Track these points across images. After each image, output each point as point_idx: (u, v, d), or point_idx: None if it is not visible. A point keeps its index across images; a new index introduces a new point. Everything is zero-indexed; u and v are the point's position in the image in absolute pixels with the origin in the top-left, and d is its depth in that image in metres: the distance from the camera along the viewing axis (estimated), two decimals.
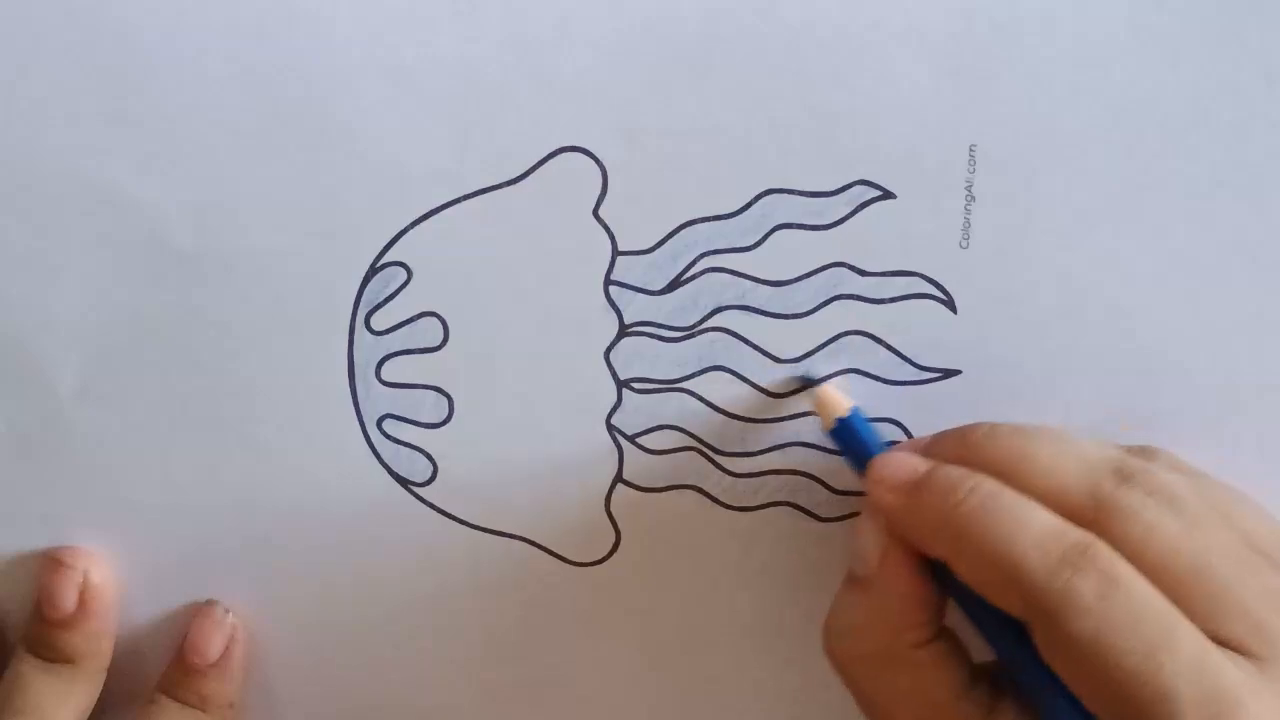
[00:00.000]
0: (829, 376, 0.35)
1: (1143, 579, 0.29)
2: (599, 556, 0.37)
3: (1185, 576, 0.29)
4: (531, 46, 0.34)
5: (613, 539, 0.37)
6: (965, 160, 0.34)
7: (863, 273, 0.35)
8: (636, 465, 0.36)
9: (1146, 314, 0.35)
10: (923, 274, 0.35)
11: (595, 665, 0.38)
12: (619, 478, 0.36)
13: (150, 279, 0.35)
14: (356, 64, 0.34)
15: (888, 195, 0.35)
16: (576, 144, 0.35)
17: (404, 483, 0.37)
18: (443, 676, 0.38)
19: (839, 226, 0.35)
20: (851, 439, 0.34)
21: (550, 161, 0.35)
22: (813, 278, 0.35)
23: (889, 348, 0.36)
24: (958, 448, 0.32)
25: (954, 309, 0.35)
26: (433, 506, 0.37)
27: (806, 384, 0.35)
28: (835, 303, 0.35)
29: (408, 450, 0.36)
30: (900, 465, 0.32)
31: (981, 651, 0.32)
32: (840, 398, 0.35)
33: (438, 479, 0.37)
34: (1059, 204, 0.35)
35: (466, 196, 0.35)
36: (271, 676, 0.38)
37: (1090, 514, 0.30)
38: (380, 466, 0.37)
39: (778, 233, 0.35)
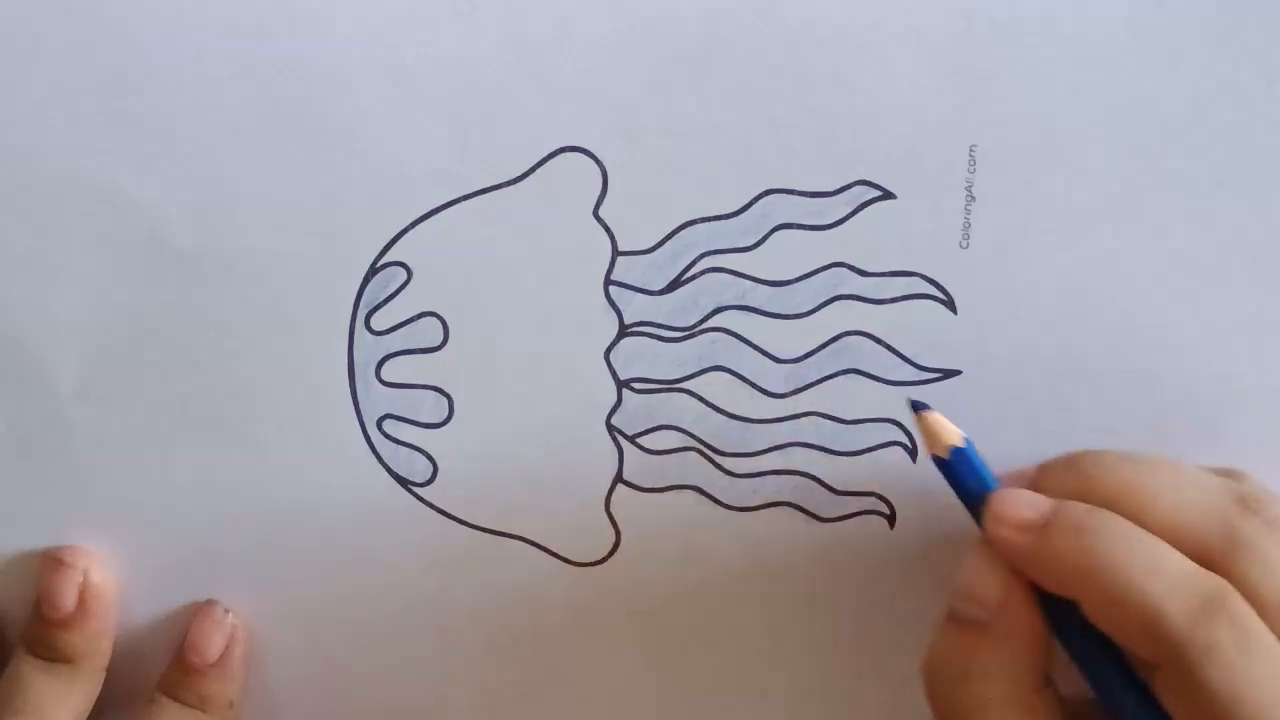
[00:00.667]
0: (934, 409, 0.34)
1: (1269, 631, 0.29)
2: (599, 557, 0.37)
3: None
4: (531, 46, 0.34)
5: (613, 539, 0.37)
6: (965, 160, 0.34)
7: (863, 273, 0.35)
8: (636, 465, 0.36)
9: (1146, 314, 0.35)
10: (923, 274, 0.35)
11: (595, 665, 0.38)
12: (619, 478, 0.36)
13: (150, 279, 0.35)
14: (356, 64, 0.34)
15: (888, 195, 0.35)
16: (576, 144, 0.35)
17: (404, 483, 0.37)
18: (443, 676, 0.38)
19: (839, 226, 0.35)
20: (965, 472, 0.33)
21: (550, 161, 0.35)
22: (813, 278, 0.35)
23: (889, 348, 0.36)
24: (1071, 478, 0.32)
25: (954, 309, 0.35)
26: (433, 506, 0.37)
27: (915, 408, 0.34)
28: (835, 303, 0.35)
29: (408, 450, 0.36)
30: (1024, 503, 0.32)
31: None
32: (952, 428, 0.33)
33: (438, 479, 0.37)
34: (1059, 204, 0.35)
35: (466, 196, 0.35)
36: (271, 676, 0.38)
37: (1219, 548, 0.30)
38: (380, 466, 0.37)
39: (778, 233, 0.35)
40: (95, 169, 0.35)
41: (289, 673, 0.38)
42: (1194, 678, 0.29)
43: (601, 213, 0.35)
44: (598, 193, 0.35)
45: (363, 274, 0.35)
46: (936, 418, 0.33)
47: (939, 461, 0.33)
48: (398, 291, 0.35)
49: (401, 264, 0.35)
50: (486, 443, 0.36)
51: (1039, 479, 0.33)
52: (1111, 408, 0.36)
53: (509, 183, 0.35)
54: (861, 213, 0.35)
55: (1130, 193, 0.35)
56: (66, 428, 0.36)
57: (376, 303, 0.36)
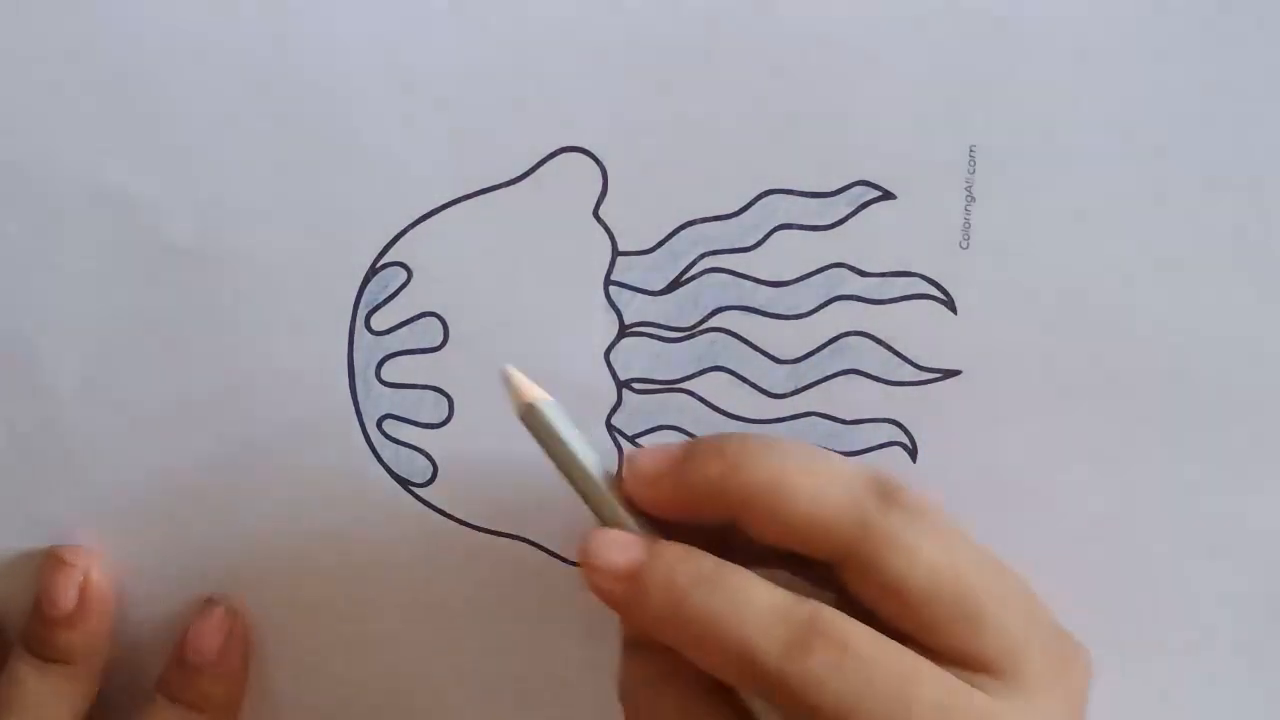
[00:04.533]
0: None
1: (873, 635, 0.29)
2: None
3: (947, 599, 0.30)
4: (531, 46, 0.34)
5: None
6: (965, 160, 0.34)
7: (863, 273, 0.35)
8: None
9: (1146, 314, 0.35)
10: (923, 274, 0.35)
11: (595, 665, 0.38)
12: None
13: (150, 279, 0.35)
14: (357, 64, 0.34)
15: (888, 195, 0.35)
16: (576, 144, 0.35)
17: (404, 483, 0.37)
18: (442, 676, 0.38)
19: (839, 227, 0.35)
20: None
21: (550, 161, 0.35)
22: (813, 278, 0.35)
23: (889, 348, 0.36)
24: (715, 466, 0.31)
25: (954, 309, 0.35)
26: (433, 506, 0.37)
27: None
28: (835, 303, 0.35)
29: (408, 450, 0.36)
30: (615, 547, 0.31)
31: None
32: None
33: (438, 479, 0.37)
34: (1059, 204, 0.35)
35: (466, 196, 0.35)
36: (271, 676, 0.38)
37: (857, 538, 0.30)
38: (380, 466, 0.37)
39: (778, 233, 0.35)
40: (95, 169, 0.35)
41: (289, 673, 0.38)
42: (799, 706, 0.29)
43: (601, 213, 0.35)
44: (598, 193, 0.35)
45: (363, 274, 0.35)
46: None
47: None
48: (398, 291, 0.36)
49: (401, 264, 0.35)
50: (486, 443, 0.36)
51: (685, 462, 0.32)
52: (1111, 408, 0.36)
53: (509, 183, 0.35)
54: (861, 213, 0.35)
55: (1130, 193, 0.35)
56: (66, 428, 0.36)
57: (376, 303, 0.36)
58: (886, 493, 0.31)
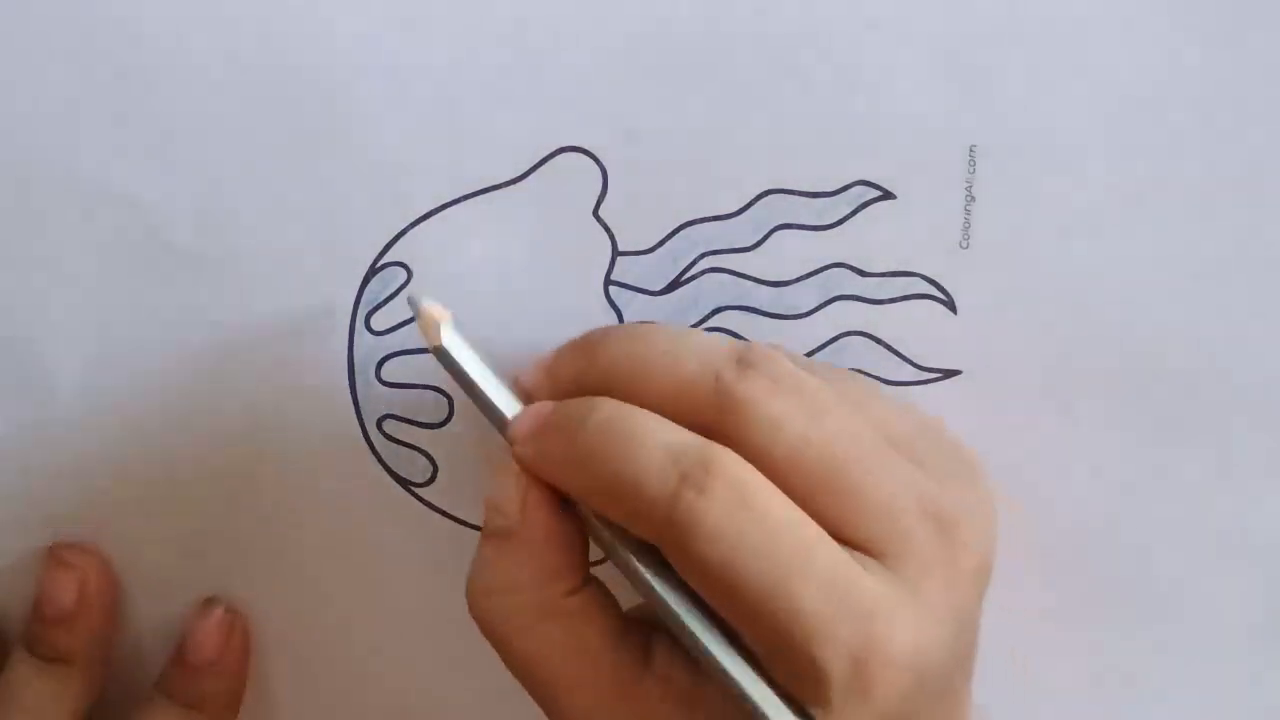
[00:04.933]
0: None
1: (773, 491, 0.28)
2: (599, 556, 0.37)
3: (817, 472, 0.28)
4: (531, 46, 0.34)
5: None
6: (965, 160, 0.34)
7: (863, 273, 0.35)
8: None
9: (1146, 314, 0.35)
10: (923, 274, 0.35)
11: None
12: None
13: (150, 279, 0.35)
14: (356, 64, 0.34)
15: (888, 195, 0.35)
16: (576, 144, 0.35)
17: (404, 483, 0.37)
18: (442, 677, 0.38)
19: (839, 226, 0.35)
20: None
21: (550, 161, 0.35)
22: (813, 278, 0.35)
23: (889, 348, 0.36)
24: (577, 358, 0.31)
25: (954, 309, 0.35)
26: (433, 506, 0.37)
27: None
28: (835, 303, 0.35)
29: (408, 450, 0.36)
30: (531, 416, 0.31)
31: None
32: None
33: (438, 479, 0.37)
34: (1059, 204, 0.35)
35: (466, 196, 0.35)
36: (271, 676, 0.38)
37: (714, 411, 0.29)
38: (380, 466, 0.37)
39: (778, 233, 0.35)
40: (95, 169, 0.35)
41: (289, 673, 0.38)
42: (686, 551, 0.28)
43: (601, 213, 0.35)
44: (598, 193, 0.35)
45: (363, 274, 0.35)
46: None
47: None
48: (398, 291, 0.35)
49: (401, 264, 0.35)
50: (486, 443, 0.36)
51: (553, 363, 0.32)
52: (1111, 408, 0.36)
53: (509, 183, 0.35)
54: (861, 213, 0.35)
55: (1130, 193, 0.35)
56: (66, 428, 0.36)
57: (376, 303, 0.36)
58: (749, 361, 0.29)
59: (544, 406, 0.31)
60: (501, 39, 0.34)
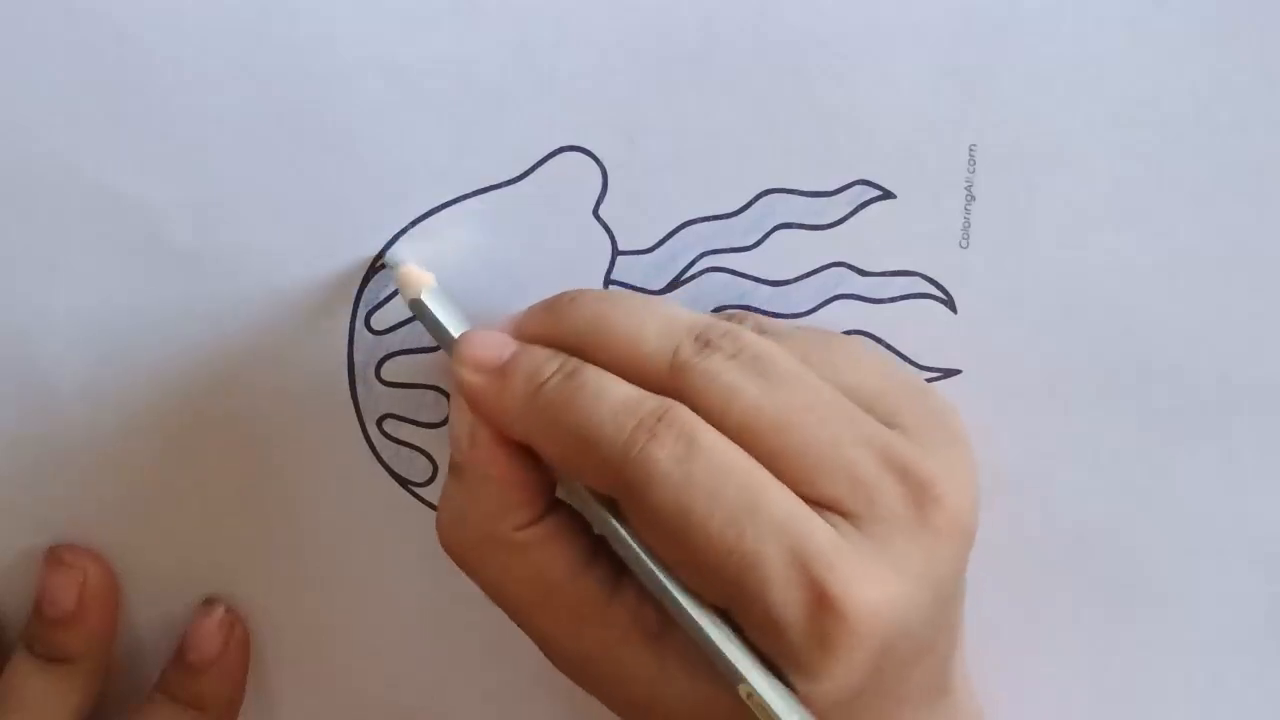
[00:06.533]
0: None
1: (726, 441, 0.28)
2: None
3: (770, 436, 0.29)
4: (531, 46, 0.34)
5: None
6: (965, 160, 0.34)
7: (863, 273, 0.35)
8: None
9: (1146, 314, 0.35)
10: (923, 274, 0.35)
11: None
12: None
13: (150, 278, 0.35)
14: (356, 64, 0.34)
15: (888, 195, 0.35)
16: (576, 144, 0.35)
17: (404, 483, 0.37)
18: (442, 677, 0.38)
19: (839, 226, 0.35)
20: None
21: (550, 161, 0.35)
22: (813, 278, 0.35)
23: (889, 348, 0.36)
24: (545, 318, 0.32)
25: (954, 309, 0.35)
26: (433, 507, 0.37)
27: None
28: (835, 303, 0.35)
29: (408, 450, 0.37)
30: (487, 345, 0.31)
31: None
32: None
33: (438, 479, 0.37)
34: (1059, 204, 0.35)
35: (466, 196, 0.35)
36: (271, 676, 0.38)
37: (670, 381, 0.29)
38: (380, 466, 0.37)
39: (778, 233, 0.35)
40: (95, 169, 0.35)
41: (289, 673, 0.38)
42: (639, 499, 0.28)
43: (601, 213, 0.35)
44: (598, 193, 0.35)
45: (363, 274, 0.35)
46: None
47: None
48: (398, 291, 0.35)
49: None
50: None
51: (522, 321, 0.32)
52: (1111, 408, 0.36)
53: (509, 183, 0.35)
54: (861, 213, 0.35)
55: (1130, 193, 0.35)
56: (66, 428, 0.36)
57: (376, 303, 0.36)
58: (708, 338, 0.30)
59: (503, 340, 0.31)
60: (501, 39, 0.34)
